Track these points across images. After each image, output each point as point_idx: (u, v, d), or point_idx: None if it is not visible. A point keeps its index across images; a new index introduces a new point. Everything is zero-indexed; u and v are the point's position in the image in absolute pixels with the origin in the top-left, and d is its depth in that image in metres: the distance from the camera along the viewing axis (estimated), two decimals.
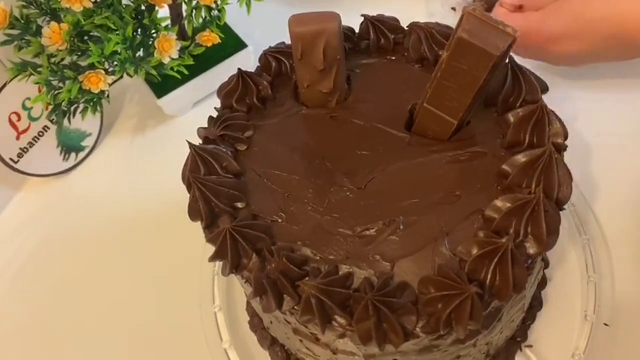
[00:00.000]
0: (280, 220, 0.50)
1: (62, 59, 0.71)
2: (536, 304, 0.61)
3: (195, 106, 0.87)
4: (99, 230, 0.79)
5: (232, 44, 0.84)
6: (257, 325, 0.64)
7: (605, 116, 0.74)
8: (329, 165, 0.52)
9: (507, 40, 0.43)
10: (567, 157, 0.50)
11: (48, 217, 0.82)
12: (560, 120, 0.49)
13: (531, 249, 0.45)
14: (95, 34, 0.70)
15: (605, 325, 0.60)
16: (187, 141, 0.52)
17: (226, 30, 0.83)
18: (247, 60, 0.83)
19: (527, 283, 0.45)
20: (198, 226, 0.51)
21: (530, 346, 0.61)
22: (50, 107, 0.73)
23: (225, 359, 0.64)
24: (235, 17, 0.82)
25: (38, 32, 0.69)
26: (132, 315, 0.70)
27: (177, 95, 0.82)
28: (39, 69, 0.70)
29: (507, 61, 0.51)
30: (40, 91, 0.72)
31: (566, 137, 0.49)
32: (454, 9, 0.87)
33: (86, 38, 0.71)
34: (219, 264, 0.66)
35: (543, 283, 0.63)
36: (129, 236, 0.77)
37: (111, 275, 0.74)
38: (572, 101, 0.75)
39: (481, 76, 0.45)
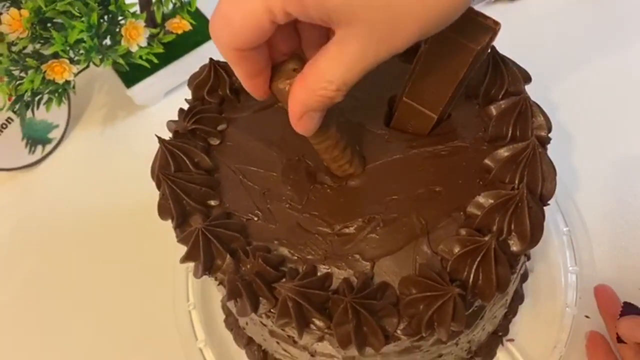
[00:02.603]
0: (256, 219, 0.48)
1: (24, 47, 0.67)
2: (517, 297, 0.61)
3: (167, 95, 0.84)
4: (68, 225, 0.76)
5: (204, 30, 0.81)
6: (232, 323, 0.62)
7: (585, 105, 0.74)
8: (309, 163, 0.50)
9: (488, 33, 0.41)
10: (548, 147, 0.49)
11: (14, 213, 0.78)
12: (543, 112, 0.48)
13: (514, 246, 0.44)
14: (58, 20, 0.66)
15: (587, 317, 0.60)
16: (156, 135, 0.49)
17: (198, 16, 0.80)
18: None
19: (511, 281, 0.44)
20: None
21: (511, 340, 0.60)
22: (12, 99, 0.69)
23: (201, 358, 0.62)
24: (207, 2, 0.79)
25: None
26: (103, 314, 0.68)
27: (147, 84, 0.79)
28: None
29: (489, 50, 0.49)
30: (1, 81, 0.69)
31: (550, 130, 0.48)
32: None
33: (49, 25, 0.67)
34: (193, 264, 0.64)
35: (524, 276, 0.62)
36: (99, 232, 0.74)
37: (81, 273, 0.72)
38: (553, 90, 0.74)
39: (461, 70, 0.43)
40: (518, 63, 0.52)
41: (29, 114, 0.73)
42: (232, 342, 0.63)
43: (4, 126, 0.77)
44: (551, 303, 0.61)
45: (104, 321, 0.68)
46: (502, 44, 0.52)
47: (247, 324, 0.55)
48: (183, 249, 0.46)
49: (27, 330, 0.69)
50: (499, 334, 0.59)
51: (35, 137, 0.80)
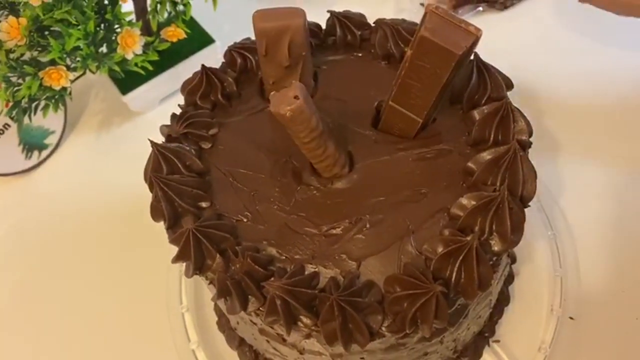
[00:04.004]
0: (245, 220, 0.49)
1: (21, 55, 0.68)
2: (503, 299, 0.62)
3: (162, 102, 0.85)
4: (63, 230, 0.77)
5: (199, 38, 0.83)
6: (225, 325, 0.63)
7: (571, 112, 0.75)
8: (295, 164, 0.51)
9: (470, 39, 0.43)
10: (534, 153, 0.50)
11: (10, 217, 0.79)
12: (524, 117, 0.50)
13: (496, 246, 0.45)
14: (56, 28, 0.68)
15: (571, 318, 0.61)
16: (149, 139, 0.51)
17: (192, 24, 0.81)
18: (214, 56, 0.82)
19: (493, 280, 0.45)
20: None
21: (497, 341, 0.61)
22: (10, 104, 0.71)
23: (193, 359, 0.63)
24: (201, 12, 0.80)
25: None
26: (97, 317, 0.69)
27: (142, 91, 0.81)
28: None
29: (472, 58, 0.51)
30: None
31: (530, 134, 0.49)
32: (422, 4, 0.87)
33: (46, 33, 0.69)
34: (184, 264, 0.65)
35: (510, 278, 0.63)
36: (93, 236, 0.75)
37: (75, 276, 0.73)
38: (539, 98, 0.76)
39: (444, 74, 0.45)
40: (505, 71, 0.53)
41: (26, 119, 0.74)
42: (224, 344, 0.64)
43: (1, 132, 0.79)
44: (536, 305, 0.63)
45: (99, 324, 0.69)
46: (491, 52, 0.54)
47: (238, 323, 0.56)
48: (172, 257, 0.48)
49: (20, 335, 0.70)
50: (485, 335, 0.60)
51: (32, 143, 0.82)
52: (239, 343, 0.62)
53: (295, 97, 0.43)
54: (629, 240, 0.66)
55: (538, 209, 0.67)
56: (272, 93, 0.44)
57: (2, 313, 0.72)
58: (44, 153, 0.83)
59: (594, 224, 0.67)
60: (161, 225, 0.50)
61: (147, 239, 0.66)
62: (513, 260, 0.64)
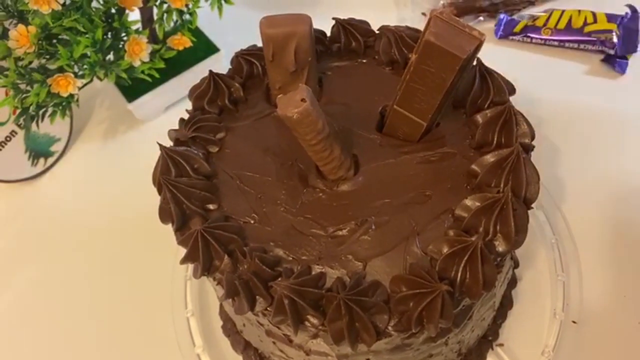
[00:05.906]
0: (252, 221, 0.50)
1: (30, 62, 0.69)
2: (506, 303, 0.62)
3: (167, 110, 0.87)
4: (69, 236, 0.77)
5: (204, 47, 0.84)
6: (230, 329, 0.64)
7: (572, 119, 0.76)
8: (301, 167, 0.52)
9: (474, 43, 0.44)
10: (535, 159, 0.51)
11: (15, 224, 0.80)
12: (527, 120, 0.50)
13: (500, 246, 0.46)
14: (64, 36, 0.69)
15: (573, 322, 0.62)
16: (158, 143, 0.52)
17: (198, 34, 0.83)
18: (219, 64, 0.83)
19: (497, 281, 0.46)
20: (169, 230, 0.50)
21: (501, 344, 0.62)
22: (18, 111, 0.72)
23: None
24: (206, 21, 0.82)
25: (4, 35, 0.68)
26: (104, 322, 0.69)
27: (147, 99, 0.82)
28: (6, 72, 0.69)
29: (475, 63, 0.52)
30: (7, 94, 0.71)
31: (533, 137, 0.50)
32: (424, 14, 0.88)
33: (54, 41, 0.70)
34: (190, 268, 0.66)
35: (513, 282, 0.64)
36: (99, 242, 0.76)
37: (82, 282, 0.73)
38: (539, 104, 0.77)
39: (448, 78, 0.45)
40: (506, 72, 0.54)
41: (32, 127, 0.75)
42: (229, 348, 0.64)
43: (8, 139, 0.80)
44: (539, 309, 0.63)
45: (105, 329, 0.69)
46: (491, 60, 0.55)
47: (244, 326, 0.56)
48: (181, 258, 0.48)
49: (26, 339, 0.70)
50: (488, 338, 0.60)
51: (38, 150, 0.82)
52: (244, 347, 0.62)
53: (302, 100, 0.43)
54: (630, 245, 0.66)
55: (540, 214, 0.67)
56: (279, 96, 0.44)
57: (9, 318, 0.72)
58: (50, 160, 0.83)
59: (596, 229, 0.68)
60: (166, 232, 0.51)
61: (152, 245, 0.67)
62: (516, 264, 0.64)
